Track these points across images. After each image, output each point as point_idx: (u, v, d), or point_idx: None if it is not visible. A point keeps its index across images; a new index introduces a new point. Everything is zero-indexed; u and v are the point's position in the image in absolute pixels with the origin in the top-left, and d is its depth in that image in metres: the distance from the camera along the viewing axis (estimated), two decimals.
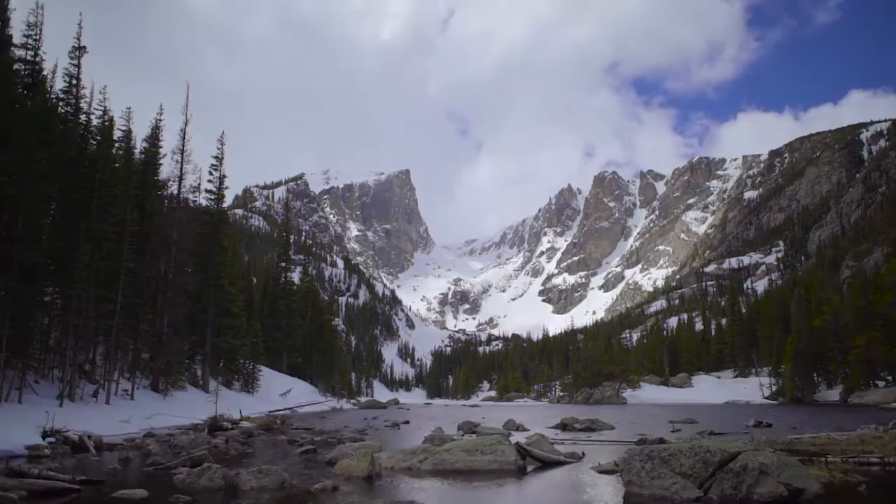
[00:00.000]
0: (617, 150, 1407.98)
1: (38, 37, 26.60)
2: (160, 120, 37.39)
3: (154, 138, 37.07)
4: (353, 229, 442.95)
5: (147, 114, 37.99)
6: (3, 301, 19.49)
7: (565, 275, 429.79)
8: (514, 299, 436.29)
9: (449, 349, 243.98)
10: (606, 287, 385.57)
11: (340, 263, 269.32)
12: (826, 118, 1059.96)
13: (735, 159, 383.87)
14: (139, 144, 38.09)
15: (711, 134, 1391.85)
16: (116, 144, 32.78)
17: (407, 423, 30.92)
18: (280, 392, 50.27)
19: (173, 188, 38.11)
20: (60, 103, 30.05)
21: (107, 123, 31.13)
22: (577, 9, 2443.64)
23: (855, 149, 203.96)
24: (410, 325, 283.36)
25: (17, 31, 25.55)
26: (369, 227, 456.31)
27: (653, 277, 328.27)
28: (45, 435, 15.83)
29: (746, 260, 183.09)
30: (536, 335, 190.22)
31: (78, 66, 30.07)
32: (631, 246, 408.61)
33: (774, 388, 69.18)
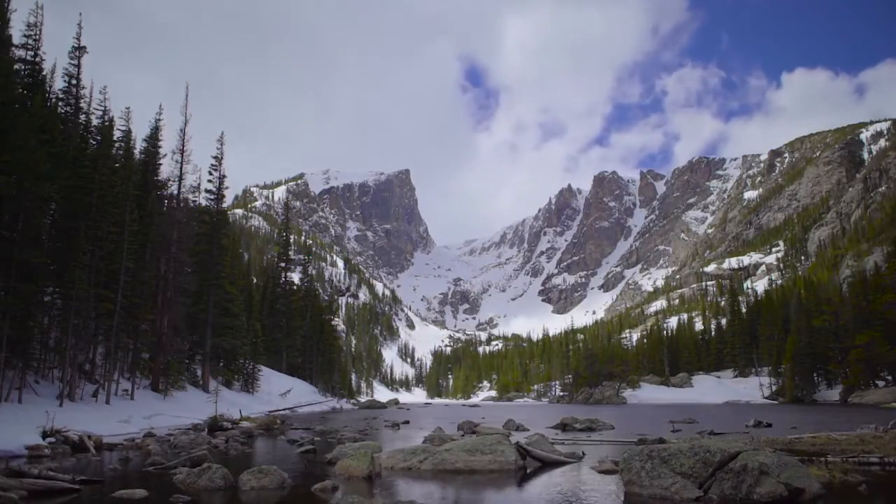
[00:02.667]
0: (646, 104, 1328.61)
1: (38, 37, 26.62)
2: (160, 120, 37.44)
3: (154, 138, 37.09)
4: (353, 229, 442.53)
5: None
6: (3, 301, 19.49)
7: (565, 275, 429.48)
8: (514, 299, 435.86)
9: (449, 349, 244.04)
10: (606, 287, 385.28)
11: (340, 263, 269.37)
12: (886, 84, 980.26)
13: (735, 159, 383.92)
14: (139, 144, 38.17)
15: (755, 97, 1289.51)
16: (116, 144, 32.79)
17: (407, 423, 30.93)
18: (280, 392, 50.28)
19: (173, 188, 38.12)
20: (60, 103, 30.07)
21: (107, 123, 31.13)
22: None
23: (855, 149, 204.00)
24: (410, 325, 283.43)
25: (16, 31, 25.57)
26: (369, 227, 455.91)
27: (653, 277, 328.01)
28: (45, 435, 15.83)
29: (746, 260, 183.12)
30: (536, 335, 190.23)
31: (78, 66, 30.10)
32: (631, 246, 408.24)
33: (774, 388, 69.21)
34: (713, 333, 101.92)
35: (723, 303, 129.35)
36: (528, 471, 11.83)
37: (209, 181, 42.63)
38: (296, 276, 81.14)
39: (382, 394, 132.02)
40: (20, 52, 26.10)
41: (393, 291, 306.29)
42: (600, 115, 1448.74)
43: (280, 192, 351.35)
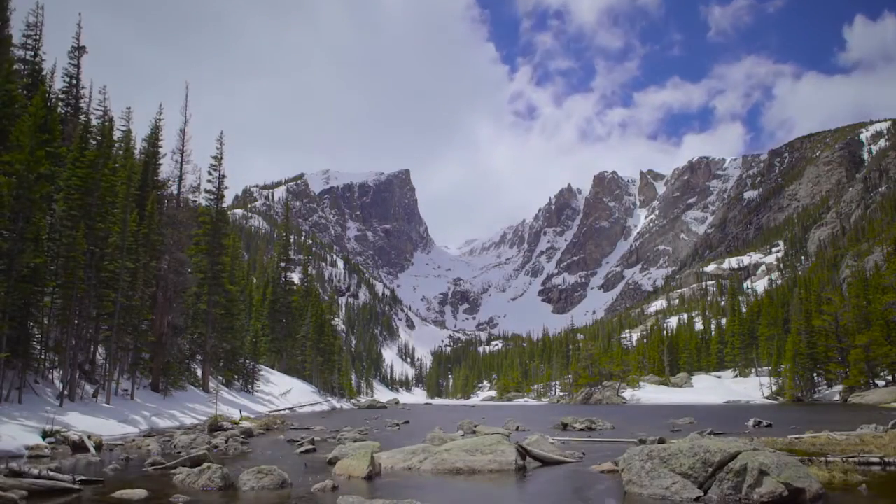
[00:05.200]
0: (686, 55, 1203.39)
1: (38, 37, 26.63)
2: (160, 120, 37.42)
3: (154, 138, 37.08)
4: (353, 229, 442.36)
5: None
6: (3, 301, 19.48)
7: (565, 275, 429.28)
8: (514, 299, 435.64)
9: (449, 349, 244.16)
10: (606, 287, 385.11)
11: (340, 263, 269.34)
12: None
13: (735, 159, 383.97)
14: (139, 144, 38.18)
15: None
16: (116, 144, 32.80)
17: (407, 423, 30.94)
18: (280, 392, 50.30)
19: (173, 188, 38.12)
20: (60, 103, 30.08)
21: (107, 123, 31.14)
22: None
23: (855, 148, 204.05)
24: (410, 325, 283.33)
25: (16, 31, 25.58)
26: (369, 227, 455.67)
27: (653, 277, 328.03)
28: (45, 435, 15.84)
29: (746, 260, 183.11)
30: (536, 335, 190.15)
31: (77, 66, 30.13)
32: (631, 246, 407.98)
33: (774, 388, 69.20)
34: (713, 333, 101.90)
35: (723, 303, 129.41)
36: (528, 471, 11.82)
37: (209, 181, 42.68)
38: (296, 276, 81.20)
39: (382, 394, 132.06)
40: (20, 52, 26.12)
41: (393, 291, 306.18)
42: (635, 56, 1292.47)
43: (280, 192, 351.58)
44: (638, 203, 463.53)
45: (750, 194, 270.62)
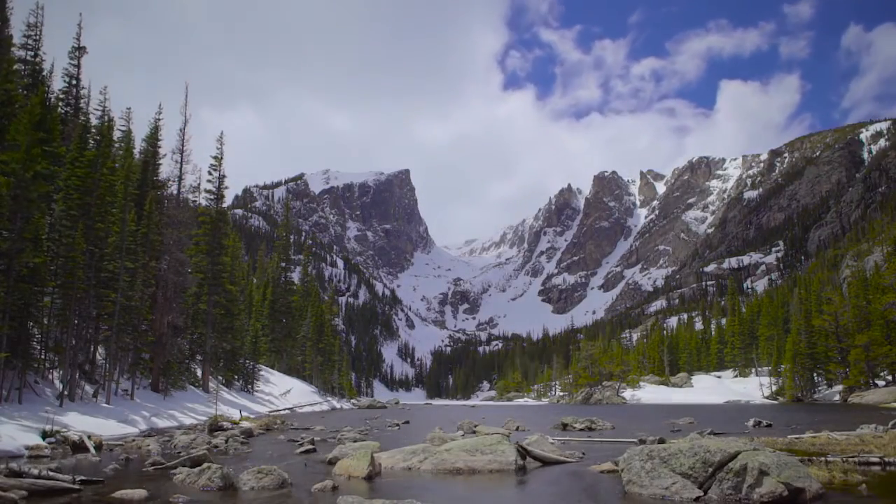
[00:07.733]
0: None
1: (38, 37, 26.64)
2: (159, 120, 37.42)
3: (153, 138, 37.07)
4: (353, 229, 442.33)
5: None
6: (3, 301, 19.47)
7: (565, 274, 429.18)
8: (514, 299, 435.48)
9: (449, 349, 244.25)
10: (606, 287, 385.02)
11: (340, 263, 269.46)
12: None
13: (735, 159, 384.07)
14: (139, 144, 38.19)
15: None
16: (116, 144, 32.80)
17: (407, 423, 30.94)
18: (280, 392, 50.31)
19: (173, 188, 38.11)
20: (60, 103, 30.08)
21: (107, 123, 31.13)
22: None
23: (855, 149, 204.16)
24: (410, 325, 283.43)
25: (17, 31, 25.59)
26: (369, 227, 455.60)
27: (653, 277, 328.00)
28: (45, 435, 15.84)
29: (746, 260, 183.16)
30: (536, 335, 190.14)
31: (78, 66, 30.14)
32: (631, 246, 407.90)
33: (774, 388, 69.21)
34: (713, 333, 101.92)
35: (723, 303, 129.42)
36: (529, 471, 11.81)
37: (209, 181, 42.66)
38: (296, 276, 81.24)
39: (382, 394, 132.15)
40: (20, 53, 26.13)
41: (393, 291, 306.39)
42: None
43: (280, 192, 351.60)
44: (638, 203, 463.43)
45: (750, 194, 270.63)
